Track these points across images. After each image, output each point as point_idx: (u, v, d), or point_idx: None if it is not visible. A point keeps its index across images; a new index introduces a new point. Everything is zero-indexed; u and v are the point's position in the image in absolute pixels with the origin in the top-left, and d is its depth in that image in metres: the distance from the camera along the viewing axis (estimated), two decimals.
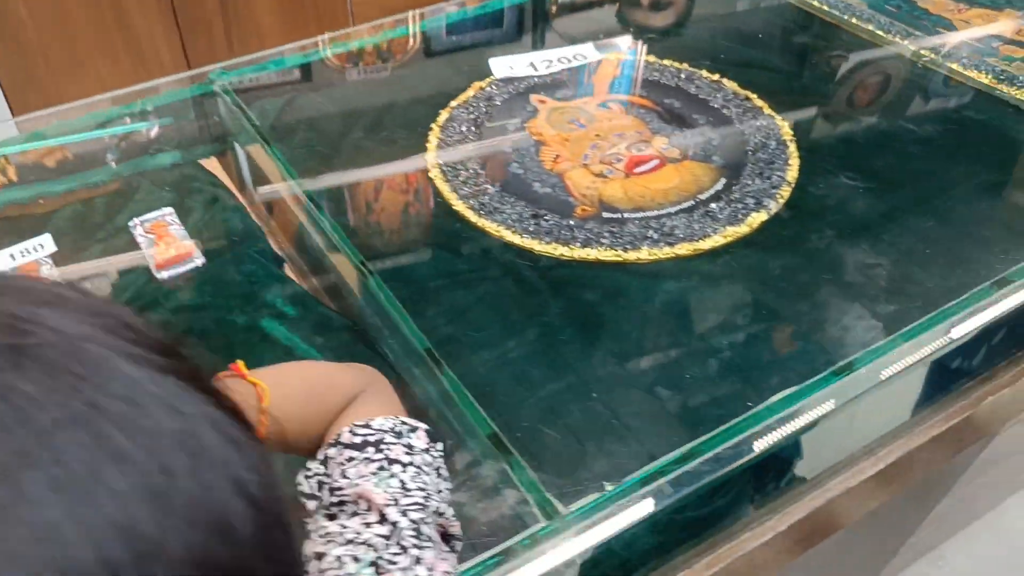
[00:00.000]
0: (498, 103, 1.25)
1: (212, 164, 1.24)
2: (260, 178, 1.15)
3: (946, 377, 0.91)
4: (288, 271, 1.06)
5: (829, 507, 0.79)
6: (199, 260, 1.06)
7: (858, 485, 0.79)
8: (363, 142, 1.17)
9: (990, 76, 1.26)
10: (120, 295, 1.03)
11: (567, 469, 0.71)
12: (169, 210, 1.13)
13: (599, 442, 0.73)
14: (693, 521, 0.75)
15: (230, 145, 1.23)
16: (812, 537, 0.81)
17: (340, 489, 0.51)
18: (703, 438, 0.71)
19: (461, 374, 0.81)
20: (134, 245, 1.08)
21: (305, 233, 1.05)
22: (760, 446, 0.71)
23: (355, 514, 0.48)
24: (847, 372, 0.77)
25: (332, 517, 0.50)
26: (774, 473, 0.82)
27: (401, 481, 0.50)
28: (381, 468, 0.53)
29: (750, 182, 1.09)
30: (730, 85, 1.27)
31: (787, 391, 0.75)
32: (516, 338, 0.86)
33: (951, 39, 1.36)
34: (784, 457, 0.81)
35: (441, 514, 0.51)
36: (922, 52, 1.33)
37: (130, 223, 1.10)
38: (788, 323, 0.86)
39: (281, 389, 0.60)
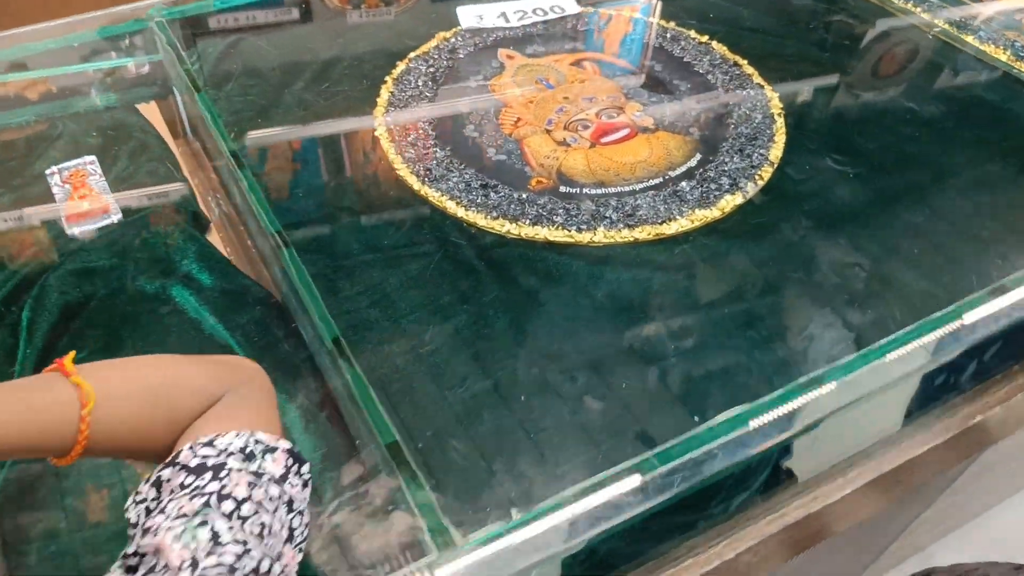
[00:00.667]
0: (462, 56, 1.14)
1: (151, 110, 1.13)
2: (197, 129, 1.05)
3: (943, 385, 0.81)
4: (216, 234, 0.96)
5: (822, 513, 0.70)
6: (115, 216, 0.96)
7: (852, 492, 0.70)
8: (306, 94, 1.06)
9: (1009, 53, 1.13)
10: (23, 250, 0.93)
11: (473, 490, 0.62)
12: (91, 159, 1.03)
13: (513, 460, 0.64)
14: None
15: (170, 90, 1.13)
16: (802, 542, 0.72)
17: (147, 531, 0.42)
18: (628, 463, 0.61)
19: (370, 367, 0.72)
20: (50, 195, 0.99)
21: (232, 192, 0.95)
22: (695, 476, 0.62)
23: (150, 572, 0.39)
24: (804, 390, 0.67)
25: (131, 571, 0.41)
26: (759, 473, 0.73)
27: (214, 532, 0.41)
28: (204, 506, 0.43)
29: (728, 159, 0.98)
30: (719, 49, 1.15)
31: (733, 411, 0.66)
32: (440, 327, 0.77)
33: (971, 10, 1.23)
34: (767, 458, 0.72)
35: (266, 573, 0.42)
36: (936, 22, 1.20)
37: (48, 171, 1.01)
38: (746, 329, 0.76)
39: (119, 389, 0.51)
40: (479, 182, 0.94)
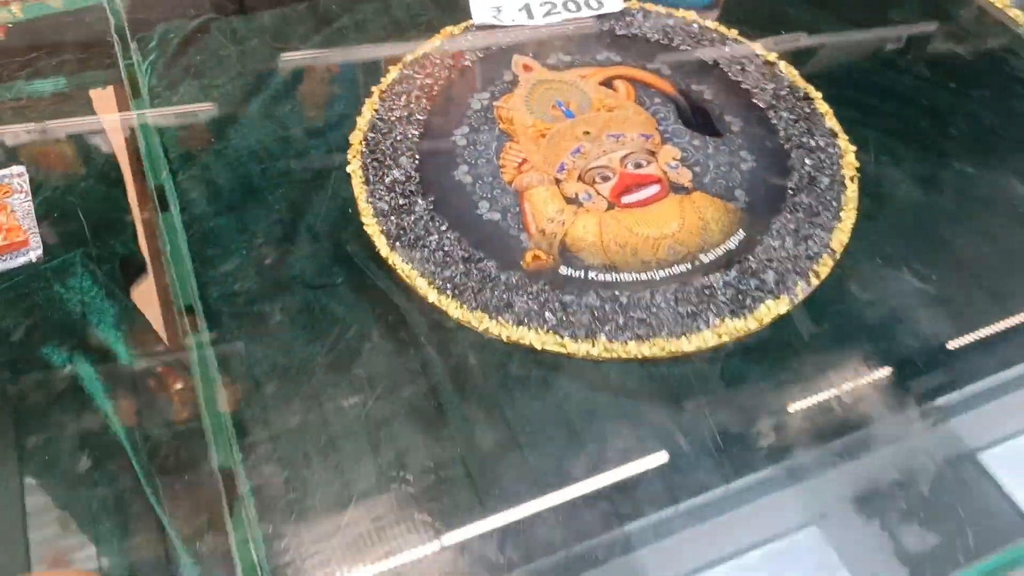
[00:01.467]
0: (468, 63, 0.93)
1: (106, 97, 0.96)
2: None
3: None
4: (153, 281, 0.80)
5: None
6: (34, 253, 0.81)
7: None
8: (272, 107, 0.88)
9: None
10: None
11: None
12: (19, 170, 0.88)
13: None
14: None
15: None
16: None
17: None
18: None
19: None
20: None
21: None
22: None
23: None
24: None
25: None
26: None
27: None
28: None
29: (777, 243, 0.77)
30: (788, 73, 0.92)
31: None
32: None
33: None
34: None
35: None
36: None
37: None
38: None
39: None
40: (461, 252, 0.76)
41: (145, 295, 0.78)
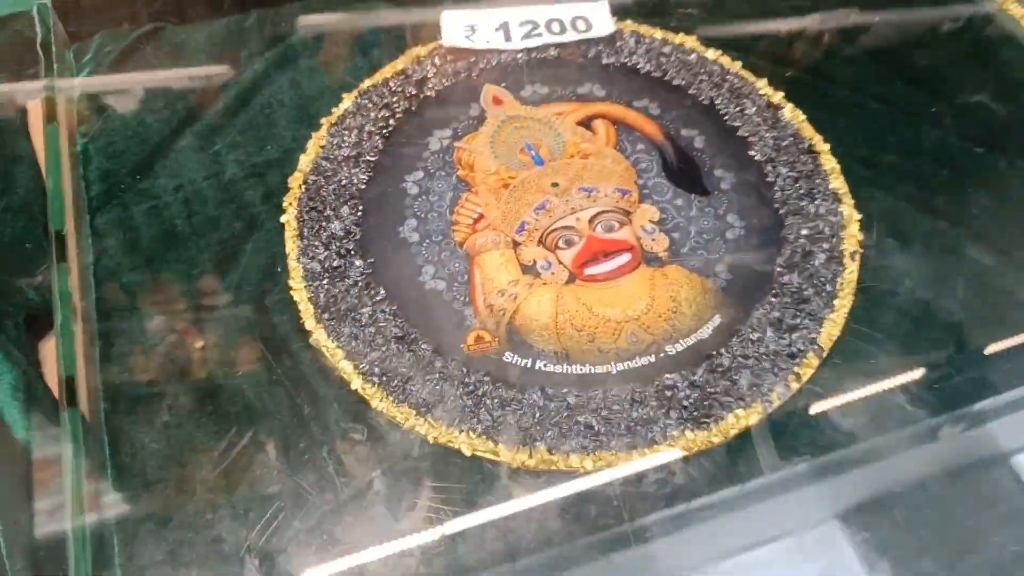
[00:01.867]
0: (431, 92, 0.83)
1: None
2: None
3: None
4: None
5: None
6: None
7: None
8: (209, 138, 0.79)
9: None
10: None
11: None
12: None
13: None
14: None
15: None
16: None
17: None
18: None
19: None
20: None
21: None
22: None
23: None
24: None
25: None
26: None
27: None
28: None
29: (757, 335, 0.67)
30: (794, 118, 0.81)
31: None
32: None
33: None
34: None
35: None
36: None
37: None
38: None
39: None
40: (395, 329, 0.68)
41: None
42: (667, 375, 0.66)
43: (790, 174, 0.77)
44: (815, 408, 0.64)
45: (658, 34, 0.87)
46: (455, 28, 0.86)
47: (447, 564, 0.57)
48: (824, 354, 0.67)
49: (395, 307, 0.69)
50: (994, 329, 0.68)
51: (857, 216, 0.74)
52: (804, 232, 0.73)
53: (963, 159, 0.78)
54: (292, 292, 0.69)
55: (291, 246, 0.72)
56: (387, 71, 0.84)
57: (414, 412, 0.64)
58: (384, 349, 0.67)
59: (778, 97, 0.82)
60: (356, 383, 0.65)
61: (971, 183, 0.77)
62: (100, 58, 0.84)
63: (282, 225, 0.74)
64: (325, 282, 0.70)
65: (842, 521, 0.59)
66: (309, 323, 0.68)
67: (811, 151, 0.79)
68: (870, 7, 0.90)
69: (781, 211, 0.75)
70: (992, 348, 0.68)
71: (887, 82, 0.84)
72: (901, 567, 0.57)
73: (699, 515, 0.59)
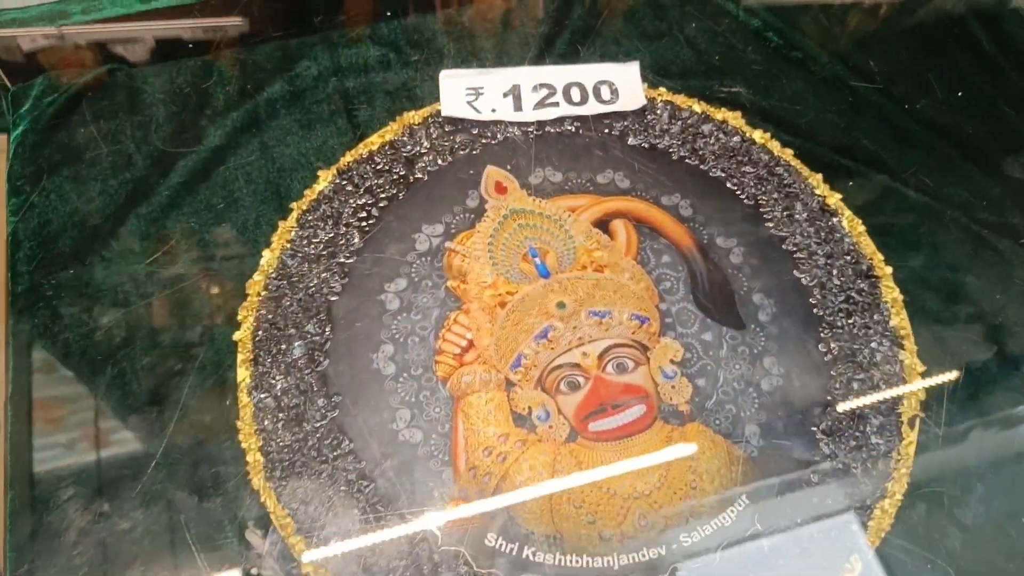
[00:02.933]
0: (422, 173, 0.70)
1: None
2: None
3: None
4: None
5: None
6: None
7: None
8: (157, 223, 0.67)
9: None
10: None
11: None
12: None
13: None
14: None
15: None
16: None
17: None
18: None
19: None
20: None
21: None
22: None
23: None
24: None
25: None
26: None
27: None
28: None
29: (788, 526, 0.56)
30: (852, 230, 0.68)
31: None
32: None
33: None
34: None
35: None
36: None
37: None
38: None
39: None
40: (358, 497, 0.57)
41: None
42: (679, 575, 0.55)
43: (842, 305, 0.64)
44: None
45: (697, 107, 0.73)
46: (456, 92, 0.72)
47: None
48: (870, 556, 0.55)
49: (362, 465, 0.58)
50: None
51: (920, 367, 0.62)
52: (855, 387, 0.61)
53: None
54: (241, 440, 0.58)
55: (243, 375, 0.61)
56: (374, 141, 0.71)
57: None
58: (343, 522, 0.56)
59: (835, 199, 0.69)
60: (308, 568, 0.54)
61: None
62: (37, 112, 0.72)
63: (234, 346, 0.62)
64: (280, 428, 0.59)
65: None
66: (256, 480, 0.57)
67: (870, 275, 0.66)
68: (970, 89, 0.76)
69: (827, 357, 0.62)
70: None
71: (979, 192, 0.70)
72: None
73: None
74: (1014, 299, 0.65)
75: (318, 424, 0.59)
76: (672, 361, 0.62)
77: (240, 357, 0.61)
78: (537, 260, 0.66)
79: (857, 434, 0.59)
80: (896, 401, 0.61)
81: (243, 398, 0.60)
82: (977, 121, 0.74)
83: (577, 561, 0.55)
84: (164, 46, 0.76)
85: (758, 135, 0.72)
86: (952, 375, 0.62)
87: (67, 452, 0.59)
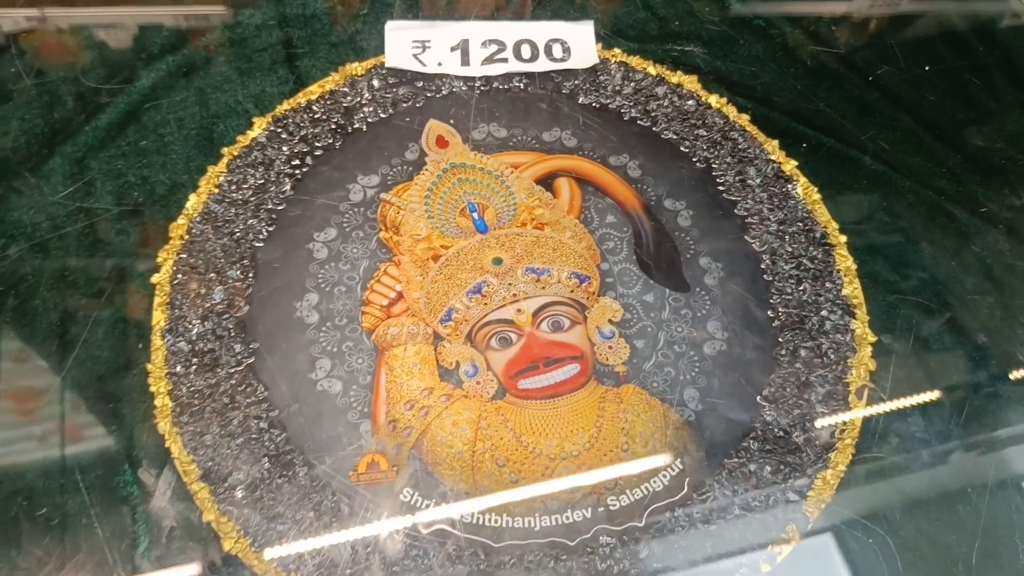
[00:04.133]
0: (361, 124, 0.67)
1: None
2: None
3: None
4: None
5: None
6: None
7: None
8: (82, 159, 0.64)
9: None
10: None
11: None
12: None
13: None
14: None
15: None
16: None
17: None
18: None
19: None
20: None
21: None
22: None
23: None
24: None
25: None
26: None
27: None
28: None
29: (726, 494, 0.53)
30: (807, 197, 0.65)
31: None
32: None
33: None
34: None
35: None
36: None
37: None
38: None
39: None
40: (268, 444, 0.53)
41: None
42: (604, 539, 0.51)
43: (793, 272, 0.61)
44: None
45: (652, 69, 0.71)
46: (402, 44, 0.70)
47: None
48: (809, 526, 0.52)
49: (274, 413, 0.54)
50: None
51: (871, 337, 0.59)
52: (803, 353, 0.58)
53: (1016, 280, 0.62)
54: (150, 384, 0.55)
55: (158, 317, 0.57)
56: (313, 91, 0.68)
57: (280, 570, 0.49)
58: (249, 469, 0.52)
59: (791, 166, 0.66)
60: (211, 515, 0.51)
61: (1021, 306, 0.61)
62: None
63: (151, 288, 0.59)
64: (192, 373, 0.55)
65: None
66: (163, 424, 0.54)
67: (824, 242, 0.63)
68: (932, 60, 0.74)
69: (775, 323, 0.59)
70: None
71: (937, 160, 0.68)
72: None
73: None
74: (969, 267, 0.62)
75: (232, 370, 0.56)
76: (611, 321, 0.59)
77: (156, 300, 0.58)
78: (475, 215, 0.63)
79: (801, 402, 0.56)
80: (844, 370, 0.58)
81: (156, 341, 0.57)
82: (938, 90, 0.71)
83: (496, 521, 0.52)
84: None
85: (714, 99, 0.69)
86: (903, 344, 0.59)
87: None
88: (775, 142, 0.67)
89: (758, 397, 0.57)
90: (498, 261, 0.61)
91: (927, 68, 0.72)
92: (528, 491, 0.53)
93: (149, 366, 0.56)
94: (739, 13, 0.75)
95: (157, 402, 0.55)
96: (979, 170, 0.67)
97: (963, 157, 0.68)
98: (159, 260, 0.60)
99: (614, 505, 0.53)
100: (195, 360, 0.56)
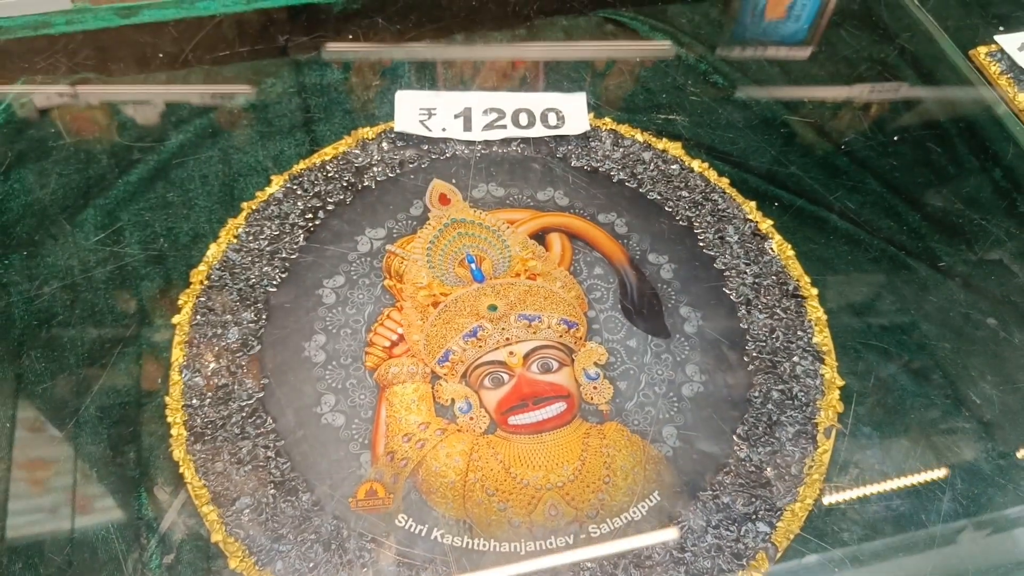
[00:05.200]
0: (371, 182, 0.73)
1: None
2: None
3: None
4: None
5: None
6: None
7: None
8: (114, 212, 0.70)
9: None
10: None
11: None
12: None
13: None
14: None
15: None
16: None
17: None
18: None
19: None
20: None
21: None
22: None
23: None
24: None
25: None
26: None
27: None
28: None
29: (700, 523, 0.56)
30: (781, 254, 0.70)
31: None
32: None
33: None
34: None
35: None
36: None
37: None
38: None
39: None
40: (274, 471, 0.57)
41: None
42: (585, 564, 0.55)
43: (766, 321, 0.66)
44: None
45: (640, 136, 0.77)
46: (410, 110, 0.76)
47: None
48: (778, 556, 0.56)
49: (281, 443, 0.59)
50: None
51: (840, 382, 0.63)
52: (776, 395, 0.62)
53: (970, 327, 0.67)
54: (167, 415, 0.59)
55: (177, 354, 0.62)
56: (327, 152, 0.74)
57: None
58: (256, 495, 0.56)
59: (767, 225, 0.71)
60: (218, 535, 0.55)
61: (982, 360, 0.65)
62: (15, 105, 0.76)
63: (172, 328, 0.64)
64: (206, 405, 0.60)
65: None
66: (178, 452, 0.58)
67: (796, 295, 0.68)
68: (899, 130, 0.79)
69: (750, 367, 0.64)
70: None
71: (900, 219, 0.73)
72: None
73: None
74: (928, 316, 0.67)
75: (244, 403, 0.60)
76: (596, 364, 0.64)
77: (176, 339, 0.63)
78: (473, 265, 0.68)
79: (773, 440, 0.60)
80: (814, 411, 0.62)
81: (174, 376, 0.61)
82: (902, 156, 0.77)
83: (484, 545, 0.56)
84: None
85: (696, 164, 0.75)
86: (868, 387, 0.63)
87: None
88: (753, 203, 0.72)
89: (732, 435, 0.60)
90: (493, 308, 0.66)
91: (895, 138, 0.78)
92: (515, 518, 0.56)
93: (167, 398, 0.60)
94: (722, 87, 0.82)
95: (173, 431, 0.59)
96: (938, 228, 0.72)
97: (923, 216, 0.73)
98: (180, 303, 0.65)
99: (595, 532, 0.56)
100: (209, 394, 0.61)
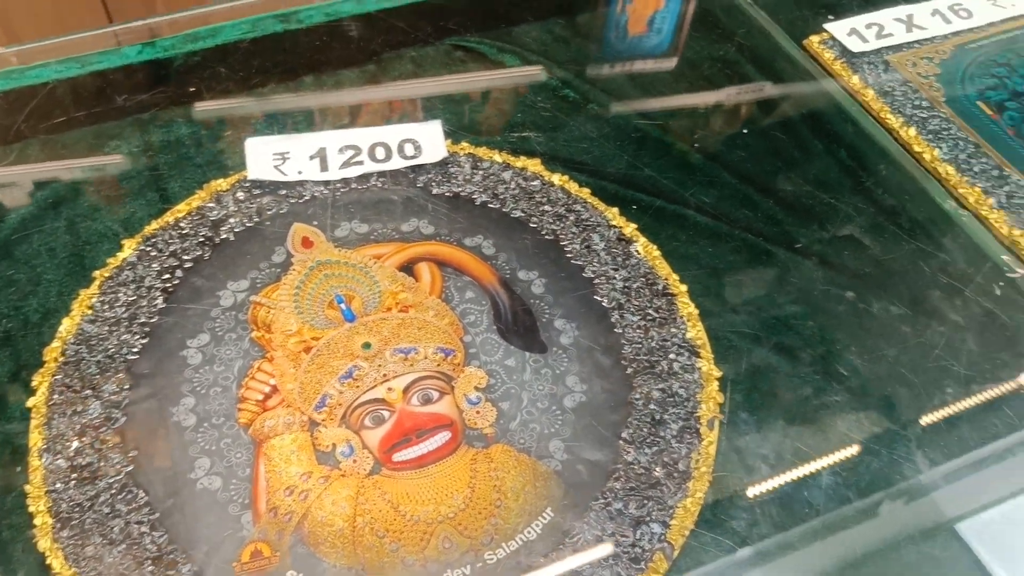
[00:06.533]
0: (229, 234, 0.71)
1: None
2: None
3: None
4: None
5: None
6: None
7: None
8: None
9: None
10: None
11: None
12: None
13: None
14: None
15: None
16: None
17: None
18: None
19: None
20: None
21: None
22: None
23: None
24: None
25: None
26: None
27: None
28: None
29: (595, 532, 0.56)
30: (647, 255, 0.71)
31: None
32: None
33: None
34: None
35: None
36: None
37: None
38: None
39: None
40: (150, 547, 0.54)
41: None
42: None
43: (639, 322, 0.67)
44: None
45: (498, 157, 0.77)
46: (262, 157, 0.75)
47: None
48: (675, 554, 0.56)
49: (155, 516, 0.56)
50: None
51: (717, 373, 0.64)
52: (656, 395, 0.63)
53: (831, 303, 0.69)
54: (29, 504, 0.56)
55: (36, 439, 0.59)
56: (180, 209, 0.72)
57: None
58: (134, 573, 0.53)
59: (631, 229, 0.72)
60: None
61: (845, 333, 0.67)
62: None
63: (28, 411, 0.60)
64: (71, 488, 0.57)
65: None
66: (43, 542, 0.55)
67: (666, 293, 0.69)
68: (746, 124, 0.82)
69: (629, 370, 0.64)
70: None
71: (755, 208, 0.75)
72: None
73: None
74: (792, 298, 0.69)
75: (112, 480, 0.57)
76: (476, 388, 0.63)
77: (33, 423, 0.60)
78: (343, 306, 0.67)
79: (658, 440, 0.61)
80: (695, 406, 0.62)
81: (34, 462, 0.58)
82: (750, 147, 0.79)
83: None
84: None
85: (556, 178, 0.76)
86: (742, 374, 0.64)
87: None
88: (615, 209, 0.73)
89: (618, 440, 0.61)
90: (367, 346, 0.64)
91: (743, 131, 0.81)
92: (409, 557, 0.55)
93: (27, 487, 0.57)
94: (573, 100, 0.83)
95: (37, 520, 0.56)
96: (791, 212, 0.74)
97: (776, 202, 0.75)
98: (34, 384, 0.62)
99: (491, 559, 0.55)
100: (74, 476, 0.57)
